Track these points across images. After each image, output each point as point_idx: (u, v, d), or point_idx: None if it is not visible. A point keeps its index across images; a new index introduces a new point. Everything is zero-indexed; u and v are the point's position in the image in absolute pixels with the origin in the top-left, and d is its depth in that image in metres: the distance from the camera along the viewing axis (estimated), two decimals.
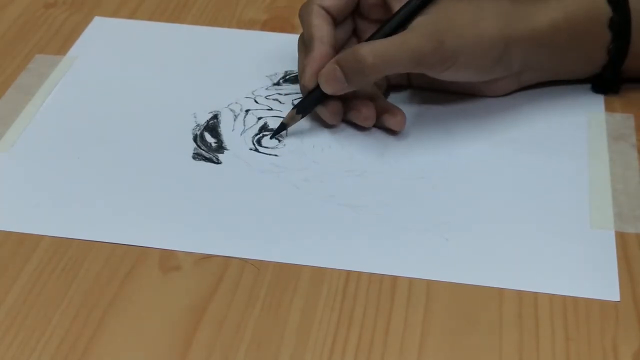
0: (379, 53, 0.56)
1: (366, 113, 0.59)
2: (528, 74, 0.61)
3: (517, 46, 0.58)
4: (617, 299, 0.48)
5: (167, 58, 0.67)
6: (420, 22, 0.57)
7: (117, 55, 0.68)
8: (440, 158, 0.58)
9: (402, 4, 0.58)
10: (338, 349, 0.46)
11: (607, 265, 0.50)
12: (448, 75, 0.58)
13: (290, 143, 0.59)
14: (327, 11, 0.60)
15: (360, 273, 0.50)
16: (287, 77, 0.65)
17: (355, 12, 0.62)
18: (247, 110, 0.62)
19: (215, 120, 0.61)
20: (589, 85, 0.63)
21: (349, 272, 0.50)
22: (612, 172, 0.56)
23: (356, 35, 0.63)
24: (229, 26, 0.71)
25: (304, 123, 0.60)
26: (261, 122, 0.61)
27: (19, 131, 0.60)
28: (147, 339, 0.47)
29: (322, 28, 0.59)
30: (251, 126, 0.61)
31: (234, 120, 0.61)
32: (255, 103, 0.63)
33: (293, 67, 0.66)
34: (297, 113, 0.59)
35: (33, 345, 0.46)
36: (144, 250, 0.52)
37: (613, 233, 0.52)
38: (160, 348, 0.46)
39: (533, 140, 0.59)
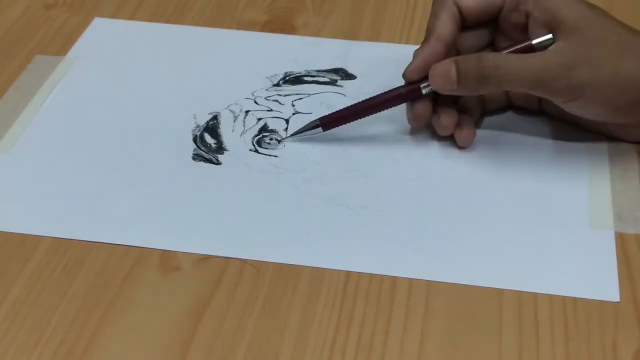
0: (501, 64, 0.53)
1: (445, 122, 0.57)
2: None
3: None
4: (617, 299, 0.49)
5: (167, 59, 0.67)
6: (555, 47, 0.54)
7: (117, 56, 0.68)
8: (440, 159, 0.58)
9: (544, 32, 0.55)
10: (338, 349, 0.46)
11: (607, 265, 0.50)
12: (574, 108, 0.54)
13: (290, 144, 0.59)
14: (460, 10, 0.57)
15: (360, 274, 0.50)
16: (287, 78, 0.65)
17: (497, 25, 0.59)
18: (247, 111, 0.62)
19: (215, 121, 0.61)
20: None
21: (349, 273, 0.50)
22: (612, 172, 0.56)
23: (493, 48, 0.60)
24: (229, 27, 0.71)
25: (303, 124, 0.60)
26: (261, 123, 0.61)
27: (19, 132, 0.60)
28: (147, 339, 0.47)
29: (445, 26, 0.56)
30: (251, 127, 0.61)
31: (234, 121, 0.61)
32: (255, 104, 0.63)
33: (293, 68, 0.66)
34: (319, 126, 0.59)
35: (33, 345, 0.46)
36: (144, 251, 0.52)
37: (613, 233, 0.52)
38: (160, 348, 0.46)
39: (533, 140, 0.59)
